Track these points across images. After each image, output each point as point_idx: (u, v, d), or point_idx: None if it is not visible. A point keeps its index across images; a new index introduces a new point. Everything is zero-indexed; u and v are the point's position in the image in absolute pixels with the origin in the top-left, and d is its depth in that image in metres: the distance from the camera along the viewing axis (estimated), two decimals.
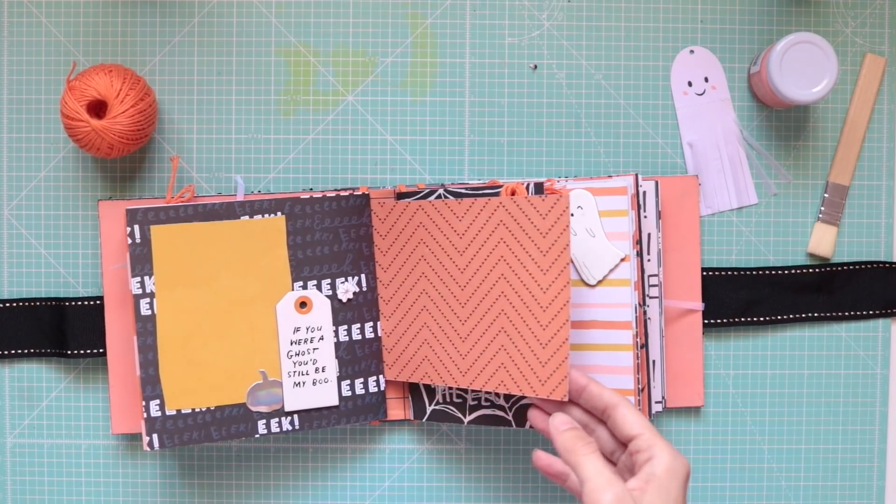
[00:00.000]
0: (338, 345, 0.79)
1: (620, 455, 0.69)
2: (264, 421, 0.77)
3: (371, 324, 0.80)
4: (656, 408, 0.79)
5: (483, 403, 0.77)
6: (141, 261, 0.76)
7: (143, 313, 0.76)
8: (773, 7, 0.84)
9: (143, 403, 0.76)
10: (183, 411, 0.77)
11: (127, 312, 0.79)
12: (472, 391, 0.77)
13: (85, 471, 0.82)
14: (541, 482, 0.83)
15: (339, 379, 0.79)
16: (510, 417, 0.76)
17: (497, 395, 0.76)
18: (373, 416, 0.80)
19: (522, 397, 0.75)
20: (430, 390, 0.80)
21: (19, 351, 0.82)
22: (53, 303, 0.81)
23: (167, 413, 0.76)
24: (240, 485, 0.83)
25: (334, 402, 0.79)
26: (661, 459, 0.64)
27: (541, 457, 0.71)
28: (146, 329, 0.76)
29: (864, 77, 0.83)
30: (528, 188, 0.74)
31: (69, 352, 0.81)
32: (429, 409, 0.80)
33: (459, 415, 0.78)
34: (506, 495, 0.83)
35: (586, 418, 0.70)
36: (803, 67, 0.77)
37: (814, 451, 0.84)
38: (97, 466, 0.82)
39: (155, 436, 0.76)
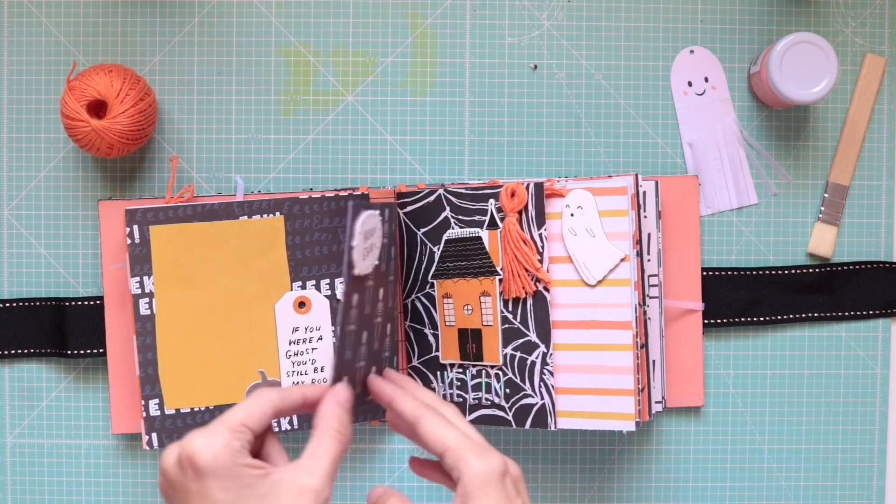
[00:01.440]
0: None
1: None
2: None
3: None
4: (656, 408, 0.79)
5: (483, 403, 0.77)
6: (140, 261, 0.76)
7: (142, 313, 0.76)
8: (773, 7, 0.83)
9: (143, 402, 0.76)
10: (182, 410, 0.77)
11: (127, 312, 0.79)
12: (474, 391, 0.77)
13: (85, 471, 0.82)
14: (540, 482, 0.83)
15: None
16: (510, 417, 0.76)
17: (497, 394, 0.76)
18: (372, 417, 0.80)
19: (523, 396, 0.75)
20: (431, 390, 0.79)
21: (19, 351, 0.82)
22: (53, 303, 0.81)
23: (166, 412, 0.76)
24: None
25: None
26: (469, 474, 0.57)
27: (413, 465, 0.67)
28: (145, 329, 0.76)
29: (864, 77, 0.83)
30: (527, 188, 0.74)
31: (69, 352, 0.81)
32: None
33: None
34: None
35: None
36: (803, 67, 0.77)
37: (814, 451, 0.84)
38: (97, 466, 0.82)
39: (154, 435, 0.76)
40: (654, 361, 0.79)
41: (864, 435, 0.84)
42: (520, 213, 0.75)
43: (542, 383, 0.75)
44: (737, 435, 0.83)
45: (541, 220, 0.75)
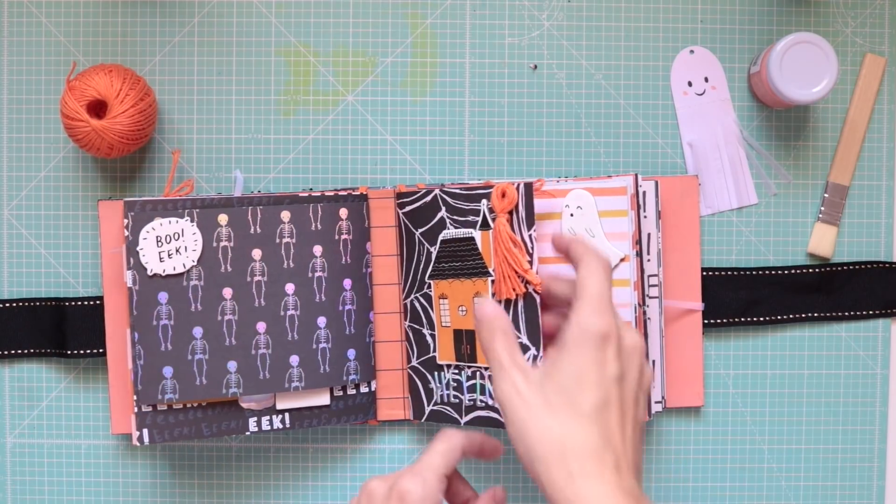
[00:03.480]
0: None
1: None
2: (255, 418, 0.77)
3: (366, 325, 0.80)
4: (656, 408, 0.79)
5: (478, 405, 0.77)
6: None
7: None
8: (773, 7, 0.83)
9: (135, 398, 0.76)
10: (174, 407, 0.77)
11: (127, 313, 0.79)
12: (469, 392, 0.77)
13: (85, 471, 0.82)
14: None
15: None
16: (503, 420, 0.74)
17: (491, 396, 0.76)
18: (363, 417, 0.80)
19: None
20: (429, 391, 0.80)
21: (19, 351, 0.82)
22: (53, 303, 0.81)
23: (158, 408, 0.76)
24: (239, 485, 0.83)
25: (325, 401, 0.79)
26: (573, 324, 0.57)
27: None
28: None
29: (864, 77, 0.83)
30: (517, 189, 0.74)
31: (69, 352, 0.81)
32: (427, 410, 0.80)
33: (456, 416, 0.78)
34: (506, 495, 0.83)
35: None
36: (803, 67, 0.77)
37: (814, 451, 0.84)
38: (97, 466, 0.82)
39: (146, 430, 0.76)
40: (653, 361, 0.79)
41: (864, 435, 0.84)
42: (510, 213, 0.74)
43: None
44: (737, 435, 0.83)
45: (530, 220, 0.73)
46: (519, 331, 0.73)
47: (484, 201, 0.75)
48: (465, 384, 0.77)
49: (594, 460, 0.54)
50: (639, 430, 0.58)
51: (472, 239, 0.75)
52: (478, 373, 0.76)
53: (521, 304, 0.73)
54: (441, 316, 0.78)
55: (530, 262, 0.73)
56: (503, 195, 0.73)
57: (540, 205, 0.78)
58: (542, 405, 0.56)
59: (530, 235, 0.73)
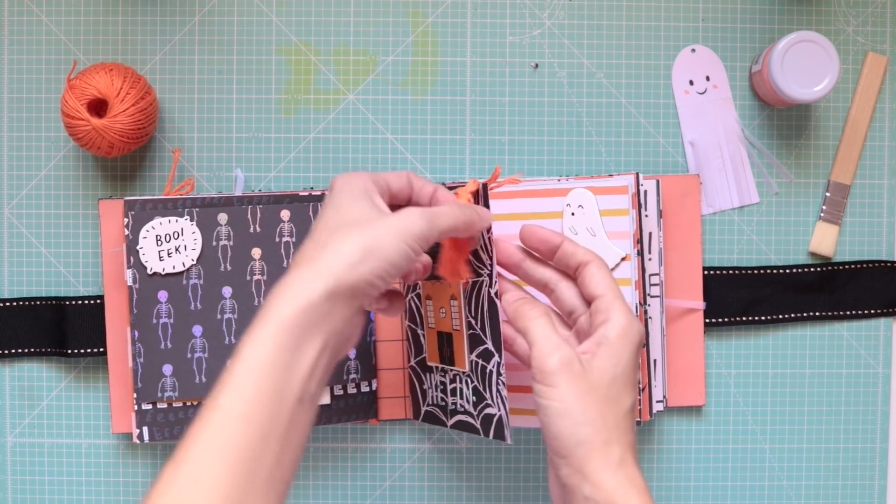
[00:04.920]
0: None
1: (581, 316, 0.66)
2: None
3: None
4: (657, 407, 0.79)
5: (458, 409, 0.74)
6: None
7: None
8: (775, 6, 0.83)
9: (135, 396, 0.76)
10: (174, 405, 0.77)
11: (127, 312, 0.79)
12: (452, 396, 0.75)
13: (85, 470, 0.82)
14: (542, 482, 0.83)
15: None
16: (478, 426, 0.72)
17: (467, 401, 0.73)
18: (363, 416, 0.80)
19: (486, 406, 0.71)
20: (423, 391, 0.79)
21: (19, 350, 0.81)
22: (54, 302, 0.81)
23: (158, 406, 0.76)
24: None
25: (326, 400, 0.79)
26: (616, 323, 0.62)
27: None
28: None
29: (865, 76, 0.83)
30: (478, 190, 0.69)
31: (69, 351, 0.81)
32: (422, 410, 0.79)
33: (444, 418, 0.77)
34: (506, 495, 0.83)
35: (548, 276, 0.68)
36: (805, 66, 0.77)
37: (815, 450, 0.83)
38: (97, 466, 0.82)
39: (145, 428, 0.76)
40: (655, 361, 0.79)
41: (865, 434, 0.83)
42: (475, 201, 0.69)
43: (498, 394, 0.69)
44: (738, 434, 0.83)
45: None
46: (486, 336, 0.69)
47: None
48: (449, 387, 0.75)
49: (632, 451, 0.60)
50: None
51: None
52: (457, 376, 0.73)
53: (485, 307, 0.69)
54: (427, 317, 0.77)
55: (490, 265, 0.68)
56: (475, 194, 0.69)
57: (540, 204, 0.77)
58: (590, 392, 0.60)
59: (489, 238, 0.68)
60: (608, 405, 0.60)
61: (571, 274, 0.67)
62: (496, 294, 0.68)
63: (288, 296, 0.56)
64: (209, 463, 0.52)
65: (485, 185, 0.68)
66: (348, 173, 0.64)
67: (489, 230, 0.67)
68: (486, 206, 0.68)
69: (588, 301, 0.65)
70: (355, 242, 0.57)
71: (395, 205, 0.65)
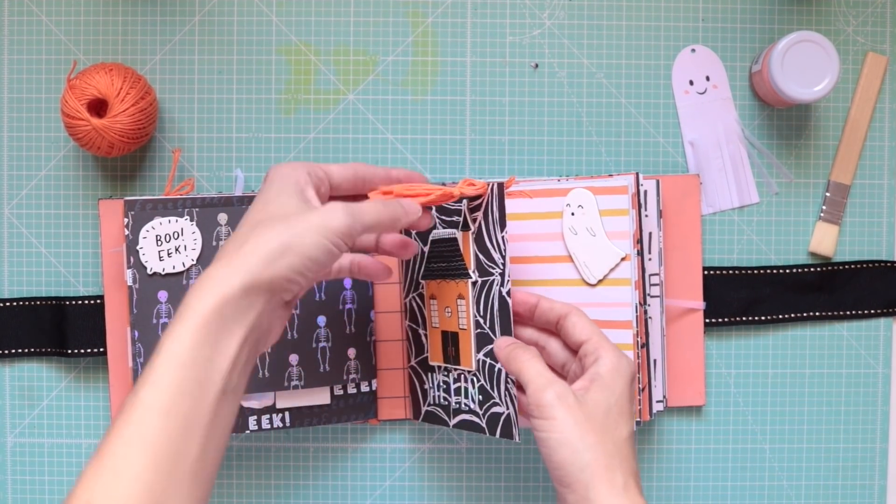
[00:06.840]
0: None
1: (571, 365, 0.69)
2: (255, 417, 0.77)
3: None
4: (657, 407, 0.79)
5: (463, 408, 0.75)
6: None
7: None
8: (775, 6, 0.83)
9: None
10: None
11: (127, 311, 0.79)
12: (456, 395, 0.75)
13: None
14: (542, 482, 0.83)
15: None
16: (484, 425, 0.73)
17: (473, 400, 0.74)
18: (363, 416, 0.80)
19: (493, 404, 0.72)
20: (424, 391, 0.79)
21: (19, 350, 0.81)
22: (54, 302, 0.81)
23: None
24: (240, 484, 0.83)
25: (326, 400, 0.79)
26: (606, 360, 0.65)
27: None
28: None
29: (865, 76, 0.83)
30: (491, 189, 0.69)
31: (69, 351, 0.81)
32: (423, 410, 0.79)
33: (446, 418, 0.77)
34: (506, 495, 0.83)
35: (536, 336, 0.72)
36: (805, 66, 0.77)
37: (815, 450, 0.83)
38: None
39: None
40: (655, 361, 0.79)
41: (865, 434, 0.83)
42: (485, 213, 0.71)
43: (507, 392, 0.70)
44: (738, 434, 0.83)
45: (503, 221, 0.69)
46: (495, 334, 0.71)
47: (465, 201, 0.73)
48: (452, 386, 0.76)
49: (634, 479, 0.62)
50: None
51: (455, 239, 0.74)
52: (462, 375, 0.74)
53: (496, 306, 0.70)
54: (431, 316, 0.77)
55: (503, 265, 0.69)
56: (472, 184, 0.70)
57: (540, 204, 0.77)
58: (587, 421, 0.62)
59: (503, 237, 0.69)
60: (606, 433, 0.62)
61: (553, 329, 0.70)
62: (508, 293, 0.69)
63: (206, 291, 0.56)
64: (130, 456, 0.53)
65: (500, 185, 0.69)
66: (284, 164, 0.64)
67: (504, 229, 0.69)
68: (502, 207, 0.69)
69: (574, 349, 0.69)
70: (274, 238, 0.58)
71: (342, 197, 0.66)
